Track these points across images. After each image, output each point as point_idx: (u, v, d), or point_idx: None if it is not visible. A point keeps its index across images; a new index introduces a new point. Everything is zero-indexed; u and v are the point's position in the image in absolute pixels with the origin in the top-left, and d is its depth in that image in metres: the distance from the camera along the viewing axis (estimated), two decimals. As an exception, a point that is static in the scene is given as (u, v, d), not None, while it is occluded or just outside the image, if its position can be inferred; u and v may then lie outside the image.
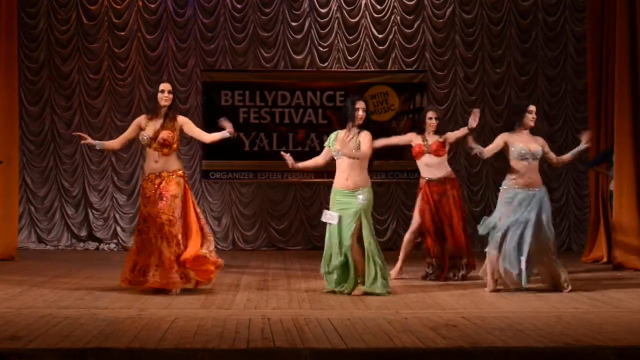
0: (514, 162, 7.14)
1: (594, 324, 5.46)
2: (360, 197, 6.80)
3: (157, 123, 7.03)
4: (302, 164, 7.25)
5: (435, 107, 8.56)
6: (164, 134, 6.97)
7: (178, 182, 6.99)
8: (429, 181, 7.97)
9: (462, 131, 7.88)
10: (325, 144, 7.16)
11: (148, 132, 7.01)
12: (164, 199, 6.90)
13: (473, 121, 7.50)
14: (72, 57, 11.76)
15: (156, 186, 6.95)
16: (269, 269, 9.14)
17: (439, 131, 8.09)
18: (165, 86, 7.05)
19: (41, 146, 11.73)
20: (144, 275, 6.89)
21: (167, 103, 7.02)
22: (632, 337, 5.05)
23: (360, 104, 6.91)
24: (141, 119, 7.14)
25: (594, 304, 6.44)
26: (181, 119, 7.13)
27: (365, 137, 6.86)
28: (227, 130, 6.93)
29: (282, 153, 7.17)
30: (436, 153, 7.98)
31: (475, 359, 4.66)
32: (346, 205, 6.83)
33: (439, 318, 5.67)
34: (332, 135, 7.09)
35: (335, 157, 6.97)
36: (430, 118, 8.05)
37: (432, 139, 8.04)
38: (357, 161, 6.82)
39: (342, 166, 6.88)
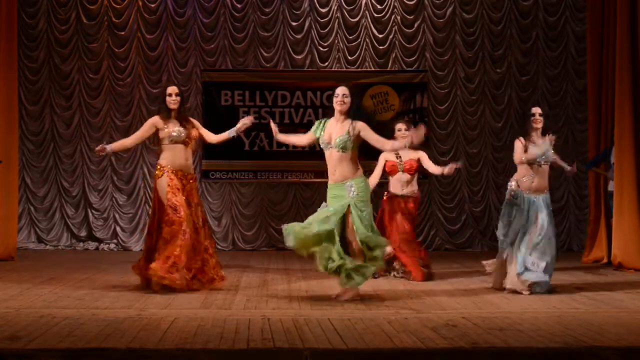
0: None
1: (595, 325, 5.46)
2: (351, 188, 6.50)
3: (176, 124, 7.23)
4: (284, 136, 6.96)
5: (404, 119, 8.76)
6: (194, 132, 7.29)
7: (198, 189, 7.40)
8: (394, 196, 8.25)
9: (435, 170, 8.05)
10: (312, 129, 6.73)
11: (176, 128, 7.18)
12: (192, 205, 7.15)
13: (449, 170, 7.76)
14: (71, 57, 11.76)
15: (184, 184, 7.16)
16: (269, 269, 9.13)
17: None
18: (172, 89, 7.29)
19: (41, 146, 11.73)
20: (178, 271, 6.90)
21: (176, 106, 7.25)
22: (632, 337, 5.05)
23: (340, 90, 6.61)
24: (156, 120, 7.26)
25: (595, 305, 6.44)
26: (193, 121, 7.45)
27: (365, 130, 6.50)
28: (236, 128, 7.24)
29: (271, 122, 6.91)
30: (409, 171, 8.19)
31: (475, 359, 4.66)
32: (339, 199, 6.52)
33: (439, 318, 5.67)
34: (320, 123, 6.70)
35: (324, 148, 6.63)
36: (400, 130, 8.12)
37: (406, 156, 8.18)
38: (346, 154, 6.50)
39: (331, 159, 6.58)
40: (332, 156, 6.59)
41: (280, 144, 11.75)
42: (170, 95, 7.22)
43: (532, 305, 6.39)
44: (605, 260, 9.58)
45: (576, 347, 4.75)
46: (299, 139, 7.01)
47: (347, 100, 6.59)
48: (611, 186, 9.35)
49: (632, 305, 6.43)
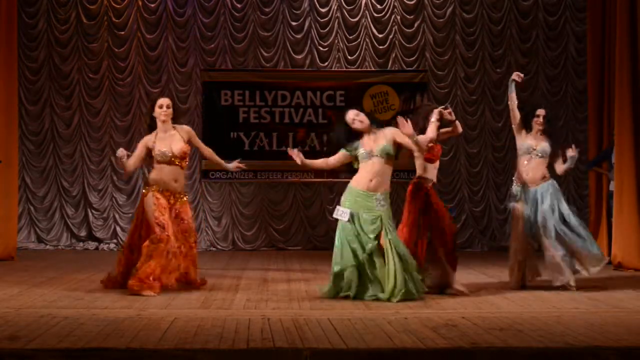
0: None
1: (594, 324, 5.45)
2: (380, 200, 6.60)
3: (165, 140, 7.02)
4: (310, 162, 6.98)
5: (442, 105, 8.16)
6: (183, 148, 7.05)
7: (188, 203, 7.27)
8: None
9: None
10: (347, 150, 6.77)
11: (163, 148, 6.98)
12: (185, 221, 7.05)
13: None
14: (71, 57, 11.76)
15: (171, 203, 6.99)
16: (269, 269, 9.13)
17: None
18: (163, 101, 7.03)
19: (41, 146, 11.73)
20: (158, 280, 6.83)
21: (167, 119, 7.03)
22: (632, 337, 5.04)
23: (349, 116, 6.74)
24: (146, 140, 7.06)
25: (594, 304, 6.44)
26: (189, 133, 7.19)
27: (396, 133, 6.67)
28: (232, 165, 7.37)
29: (289, 150, 6.89)
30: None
31: (475, 359, 4.65)
32: (365, 207, 6.59)
33: (439, 318, 5.67)
34: (352, 145, 6.75)
35: (364, 160, 6.66)
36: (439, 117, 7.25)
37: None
38: (389, 160, 6.65)
39: (374, 168, 6.62)
40: (374, 165, 6.64)
41: (281, 144, 11.81)
42: (161, 107, 6.98)
43: (532, 305, 6.39)
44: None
45: (576, 347, 4.74)
46: (325, 162, 7.01)
47: (363, 118, 6.72)
48: (612, 186, 9.35)
49: (632, 305, 6.42)
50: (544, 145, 7.40)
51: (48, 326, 5.23)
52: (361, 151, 6.69)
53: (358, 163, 6.75)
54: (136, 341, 4.79)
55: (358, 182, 6.69)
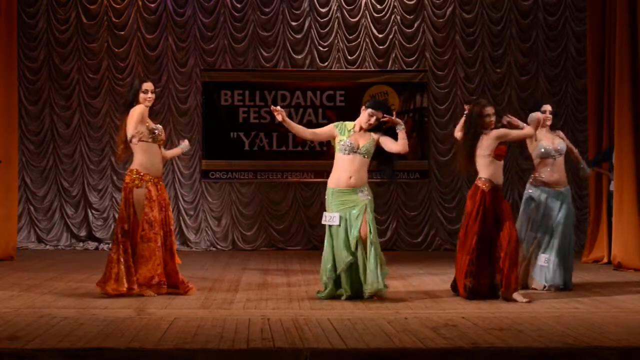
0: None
1: (595, 324, 5.46)
2: (364, 191, 6.59)
3: (150, 122, 6.83)
4: (290, 122, 6.88)
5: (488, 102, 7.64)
6: (162, 129, 6.95)
7: (165, 189, 7.00)
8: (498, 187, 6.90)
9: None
10: (335, 128, 6.78)
11: (158, 126, 6.84)
12: (163, 208, 6.82)
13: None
14: (71, 57, 11.76)
15: (158, 192, 6.79)
16: (269, 269, 9.13)
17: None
18: (149, 86, 6.77)
19: (40, 146, 11.73)
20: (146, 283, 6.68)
21: (151, 104, 6.82)
22: (633, 337, 5.04)
23: (375, 112, 6.69)
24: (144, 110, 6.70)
25: (594, 304, 6.44)
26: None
27: (380, 137, 6.71)
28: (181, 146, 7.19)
29: (272, 107, 6.86)
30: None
31: (475, 359, 4.66)
32: (351, 203, 6.57)
33: (439, 318, 5.67)
34: (348, 125, 6.75)
35: (344, 151, 6.64)
36: (488, 115, 7.11)
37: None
38: (366, 160, 6.64)
39: (352, 164, 6.60)
40: (353, 162, 6.63)
41: (281, 144, 11.81)
42: (146, 92, 6.70)
43: (531, 305, 6.38)
44: (605, 260, 9.57)
45: (576, 347, 4.75)
46: (311, 133, 7.03)
47: (378, 120, 6.70)
48: (612, 186, 9.35)
49: (632, 305, 6.42)
50: (560, 143, 7.38)
51: (48, 326, 5.23)
52: (347, 142, 6.65)
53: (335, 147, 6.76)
54: (136, 341, 4.80)
55: (338, 182, 6.65)
